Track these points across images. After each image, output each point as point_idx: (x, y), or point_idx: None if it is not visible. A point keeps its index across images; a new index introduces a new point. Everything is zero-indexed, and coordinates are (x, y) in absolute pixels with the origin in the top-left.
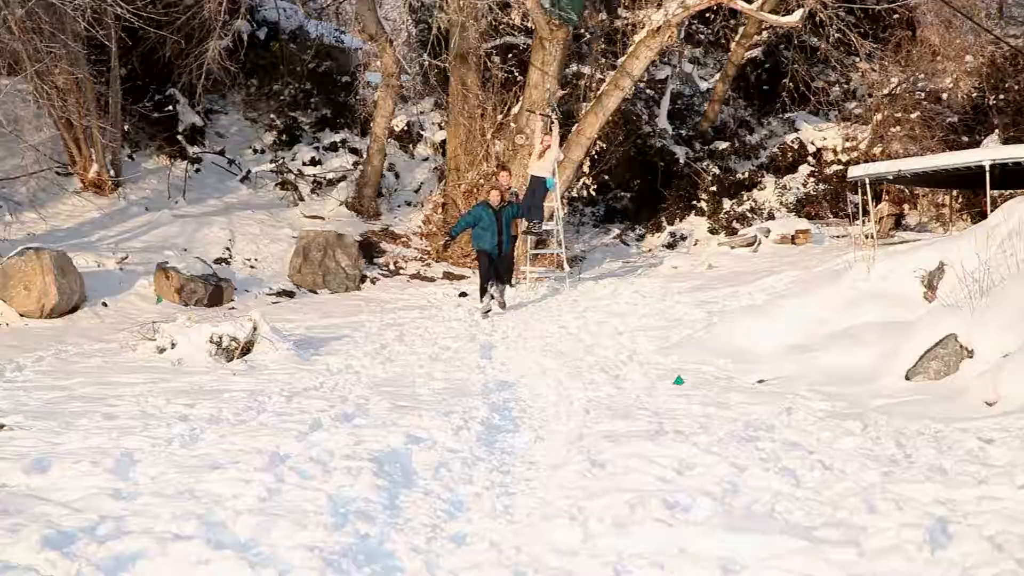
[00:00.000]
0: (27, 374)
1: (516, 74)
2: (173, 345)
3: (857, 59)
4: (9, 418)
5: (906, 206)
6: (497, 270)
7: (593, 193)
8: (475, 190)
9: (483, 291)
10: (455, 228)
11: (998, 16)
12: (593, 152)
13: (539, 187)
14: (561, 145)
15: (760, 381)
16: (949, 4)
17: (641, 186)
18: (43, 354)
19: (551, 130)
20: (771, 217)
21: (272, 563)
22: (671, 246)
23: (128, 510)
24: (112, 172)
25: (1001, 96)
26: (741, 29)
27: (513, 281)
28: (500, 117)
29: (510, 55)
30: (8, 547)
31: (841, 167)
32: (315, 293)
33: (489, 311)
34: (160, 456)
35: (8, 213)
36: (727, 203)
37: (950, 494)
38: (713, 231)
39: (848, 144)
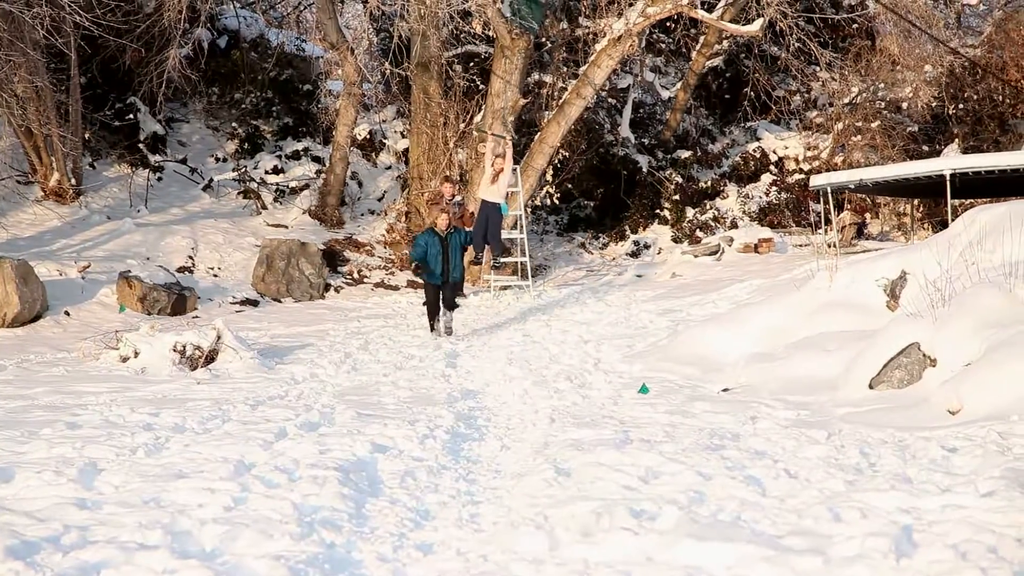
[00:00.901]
0: None
1: (478, 83)
2: (136, 354)
3: (817, 68)
4: None
5: (868, 215)
6: (444, 297)
7: (556, 201)
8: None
9: (432, 322)
10: (416, 255)
11: (956, 26)
12: (556, 161)
13: (492, 213)
14: (517, 165)
15: (725, 390)
16: (904, 17)
17: (604, 194)
18: (5, 363)
19: (504, 152)
20: (734, 226)
21: (238, 572)
22: (635, 255)
23: (93, 519)
24: (73, 180)
25: (960, 106)
26: (702, 38)
27: (466, 292)
28: (463, 126)
29: (472, 63)
30: None
31: (803, 176)
32: (279, 302)
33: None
34: (125, 465)
35: None
36: (690, 212)
37: (915, 503)
38: (676, 240)
39: (810, 153)
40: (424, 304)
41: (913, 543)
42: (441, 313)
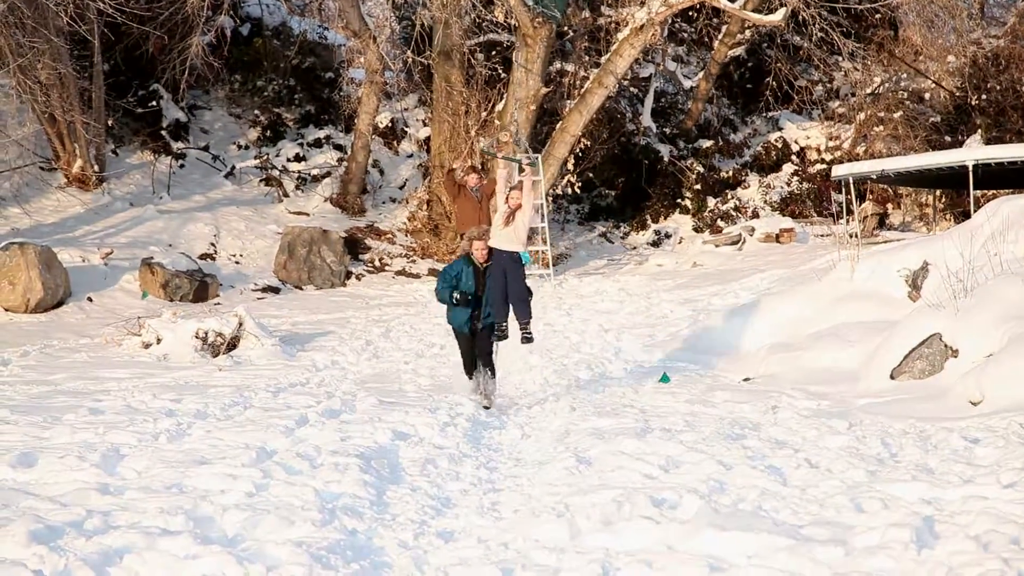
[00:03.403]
0: (12, 369)
1: (500, 71)
2: (159, 340)
3: (840, 58)
4: None
5: (890, 205)
6: (479, 349)
7: (578, 191)
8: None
9: (468, 374)
10: (441, 294)
11: (979, 16)
12: (577, 150)
13: (511, 266)
14: (533, 188)
15: (746, 379)
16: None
17: (625, 184)
18: (28, 349)
19: (521, 183)
20: (755, 216)
21: (260, 559)
22: (656, 244)
23: (116, 505)
24: (96, 167)
25: (983, 96)
26: (724, 28)
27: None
28: (484, 114)
29: (494, 52)
30: None
31: (825, 166)
32: (300, 289)
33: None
34: (147, 451)
35: None
36: (711, 201)
37: (936, 493)
38: (698, 229)
39: (832, 143)
40: (462, 361)
41: (935, 534)
42: (481, 375)
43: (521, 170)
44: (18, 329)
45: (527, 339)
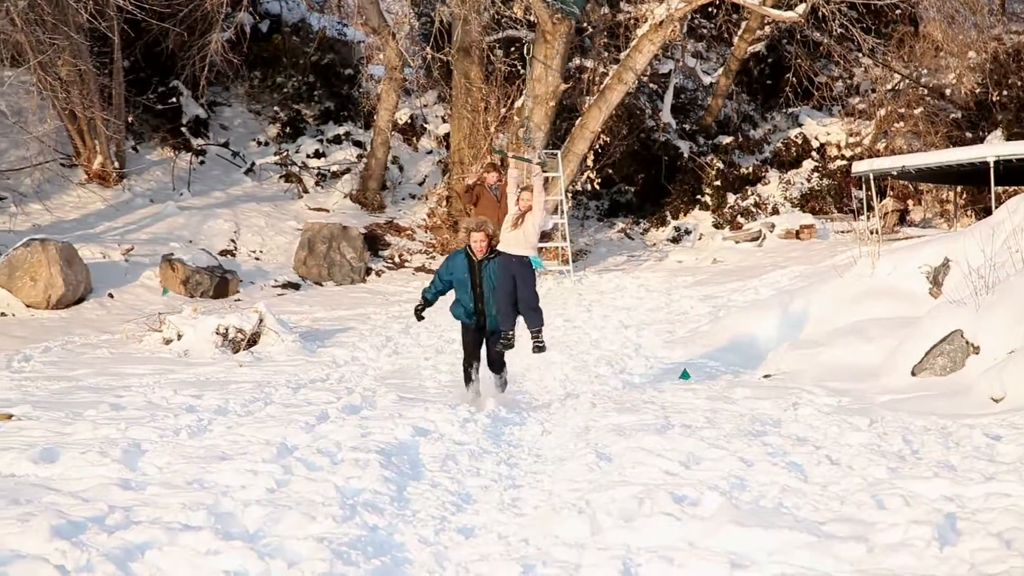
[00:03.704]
0: (34, 365)
1: (519, 68)
2: (179, 336)
3: (860, 54)
4: (17, 408)
5: (910, 202)
6: (488, 351)
7: (597, 187)
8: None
9: (467, 376)
10: (428, 290)
11: (1000, 12)
12: (597, 146)
13: (521, 272)
14: (546, 184)
15: (766, 376)
16: None
17: (645, 180)
18: (50, 345)
19: (532, 185)
20: (775, 212)
21: (281, 554)
22: (675, 240)
23: (137, 500)
24: (116, 164)
25: (1004, 92)
26: (744, 24)
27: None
28: (503, 110)
29: (513, 48)
30: (18, 536)
31: (845, 162)
32: (320, 285)
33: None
34: (168, 447)
35: (13, 204)
36: (731, 197)
37: (958, 490)
38: (717, 225)
39: (852, 139)
40: (462, 356)
41: (957, 531)
42: (495, 379)
43: (545, 167)
44: (39, 325)
45: (539, 348)
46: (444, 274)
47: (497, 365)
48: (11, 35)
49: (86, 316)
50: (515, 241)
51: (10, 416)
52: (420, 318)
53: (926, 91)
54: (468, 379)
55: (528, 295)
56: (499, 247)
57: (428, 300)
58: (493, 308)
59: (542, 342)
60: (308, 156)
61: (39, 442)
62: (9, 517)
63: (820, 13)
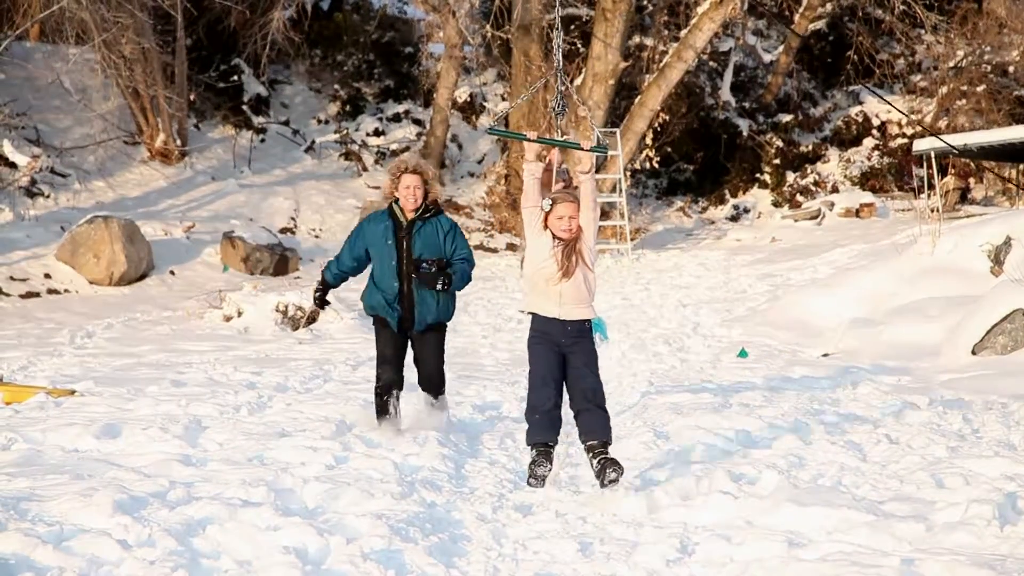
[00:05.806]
0: (97, 341)
1: (579, 46)
2: (240, 313)
3: (922, 31)
4: (80, 384)
5: (972, 180)
6: (421, 365)
7: (656, 165)
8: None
9: (381, 405)
10: (331, 267)
11: None
12: (656, 124)
13: (579, 347)
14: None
15: (825, 355)
16: None
17: (704, 158)
18: (112, 321)
19: (572, 193)
20: (835, 190)
21: (340, 530)
22: (734, 219)
23: (198, 476)
24: (178, 141)
25: None
26: (805, 1)
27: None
28: (563, 89)
29: (573, 26)
30: (81, 511)
31: (906, 140)
32: None
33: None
34: (228, 423)
35: (77, 182)
36: (791, 176)
37: (1019, 470)
38: (776, 204)
39: (913, 117)
40: (375, 375)
41: (1017, 510)
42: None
43: (604, 151)
44: (102, 302)
45: (613, 477)
46: (355, 244)
47: (435, 382)
48: (76, 13)
49: (148, 293)
50: (566, 297)
51: (73, 392)
52: (322, 305)
53: (989, 68)
54: (383, 410)
55: (592, 383)
56: (541, 311)
57: (329, 283)
58: (428, 296)
59: (617, 465)
60: (368, 134)
61: (101, 418)
62: (72, 492)
63: None
